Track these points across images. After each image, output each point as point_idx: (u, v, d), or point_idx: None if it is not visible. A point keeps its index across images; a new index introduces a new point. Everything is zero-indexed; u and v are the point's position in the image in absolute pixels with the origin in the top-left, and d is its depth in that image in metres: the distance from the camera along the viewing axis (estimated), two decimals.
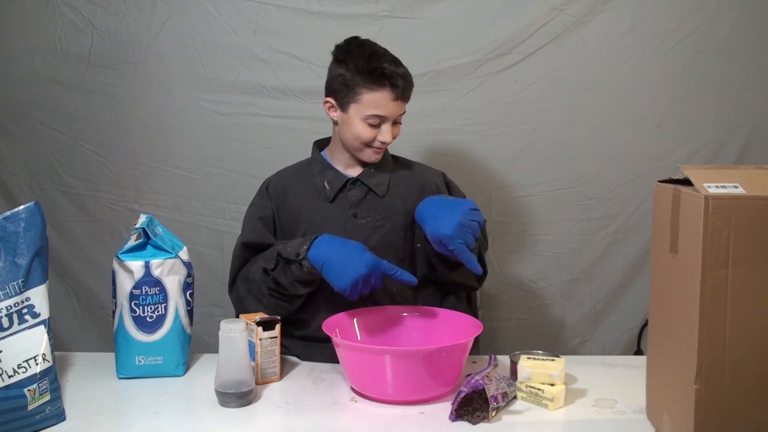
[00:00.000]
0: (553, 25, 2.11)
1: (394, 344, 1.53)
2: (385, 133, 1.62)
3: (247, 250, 1.68)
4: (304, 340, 1.65)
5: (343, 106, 1.63)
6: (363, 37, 1.69)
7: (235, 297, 1.68)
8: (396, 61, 1.62)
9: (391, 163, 1.75)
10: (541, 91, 2.14)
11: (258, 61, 2.13)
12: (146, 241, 1.49)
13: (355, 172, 1.70)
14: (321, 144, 1.78)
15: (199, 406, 1.37)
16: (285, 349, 1.63)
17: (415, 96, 1.82)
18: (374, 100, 1.59)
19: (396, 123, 1.65)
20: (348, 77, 1.60)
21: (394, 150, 1.79)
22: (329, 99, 1.66)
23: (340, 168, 1.71)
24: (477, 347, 1.75)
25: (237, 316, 1.71)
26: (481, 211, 1.51)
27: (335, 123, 1.68)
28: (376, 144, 1.64)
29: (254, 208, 1.73)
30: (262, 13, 2.11)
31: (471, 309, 1.80)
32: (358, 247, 1.48)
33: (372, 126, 1.61)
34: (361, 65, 1.59)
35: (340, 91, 1.62)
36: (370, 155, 1.66)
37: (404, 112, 1.65)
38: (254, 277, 1.61)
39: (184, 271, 1.50)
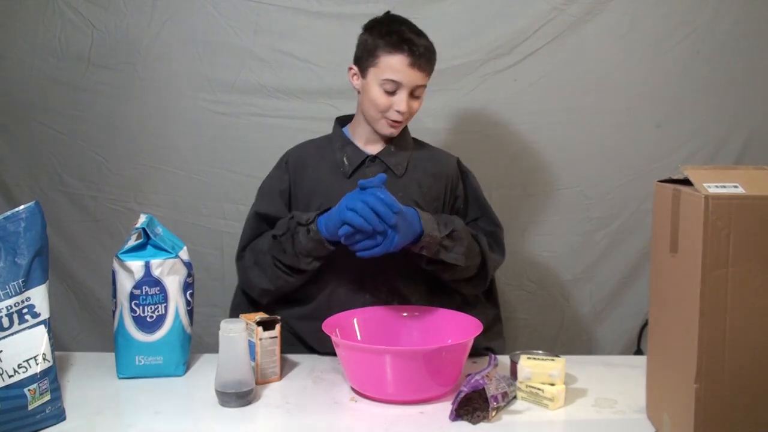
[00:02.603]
0: (553, 25, 2.11)
1: (394, 344, 1.53)
2: (399, 101, 1.61)
3: (261, 221, 1.69)
4: (309, 320, 1.62)
5: (363, 71, 1.65)
6: None
7: (241, 267, 1.69)
8: (420, 33, 1.63)
9: (412, 144, 1.76)
10: (541, 91, 2.14)
11: (258, 61, 2.12)
12: (146, 241, 1.49)
13: (375, 149, 1.71)
14: (342, 121, 1.78)
15: (199, 406, 1.37)
16: (297, 339, 1.65)
17: None
18: (391, 65, 1.60)
19: (415, 97, 1.64)
20: (369, 42, 1.64)
21: None
22: (353, 66, 1.68)
23: (360, 144, 1.72)
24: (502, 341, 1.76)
25: (241, 289, 1.72)
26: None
27: (358, 92, 1.69)
28: (392, 114, 1.63)
29: (273, 181, 1.74)
30: (262, 13, 2.11)
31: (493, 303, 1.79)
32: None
33: (388, 93, 1.62)
34: (383, 30, 1.63)
35: (362, 56, 1.66)
36: (385, 127, 1.66)
37: (423, 86, 1.64)
38: (262, 247, 1.62)
39: (184, 271, 1.50)
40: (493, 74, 2.13)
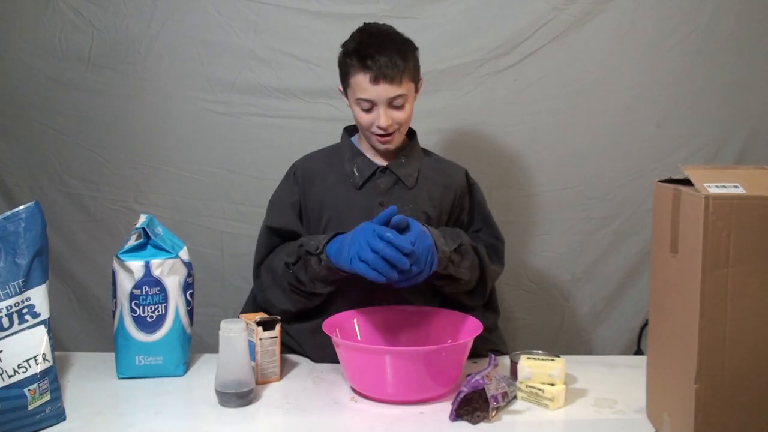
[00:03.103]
0: (553, 25, 2.11)
1: (394, 344, 1.53)
2: (378, 116, 1.59)
3: (274, 236, 1.66)
4: (317, 333, 1.58)
5: (345, 91, 1.66)
6: None
7: (259, 286, 1.67)
8: (383, 45, 1.58)
9: (422, 155, 1.74)
10: (541, 91, 2.14)
11: (258, 61, 2.12)
12: (146, 241, 1.49)
13: (384, 160, 1.70)
14: (350, 130, 1.76)
15: (199, 406, 1.37)
16: (289, 349, 1.64)
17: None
18: (358, 84, 1.59)
19: (397, 107, 1.61)
20: (341, 62, 1.64)
21: None
22: (340, 86, 1.68)
23: (369, 155, 1.70)
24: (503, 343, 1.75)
25: (259, 305, 1.69)
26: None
27: None
28: (375, 129, 1.62)
29: (282, 194, 1.71)
30: (262, 13, 2.11)
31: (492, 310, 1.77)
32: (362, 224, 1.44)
33: (366, 110, 1.61)
34: (350, 49, 1.61)
35: (341, 77, 1.65)
36: (375, 142, 1.65)
37: (403, 95, 1.60)
38: (278, 269, 1.60)
39: (184, 271, 1.50)
40: (493, 74, 2.13)
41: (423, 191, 1.69)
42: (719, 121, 2.16)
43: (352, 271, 1.42)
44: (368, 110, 1.61)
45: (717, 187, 1.07)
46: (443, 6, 2.11)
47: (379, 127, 1.61)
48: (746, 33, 2.12)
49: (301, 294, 1.57)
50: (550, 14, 2.10)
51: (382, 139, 1.63)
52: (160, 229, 1.53)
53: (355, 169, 1.67)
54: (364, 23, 1.69)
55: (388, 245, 1.36)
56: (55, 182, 2.17)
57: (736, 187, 1.07)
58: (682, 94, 2.15)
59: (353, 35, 1.65)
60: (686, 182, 1.14)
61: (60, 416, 1.28)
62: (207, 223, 2.18)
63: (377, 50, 1.57)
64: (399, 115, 1.62)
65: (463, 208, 1.75)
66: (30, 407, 1.23)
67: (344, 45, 1.64)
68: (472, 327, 1.46)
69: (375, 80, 1.57)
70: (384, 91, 1.58)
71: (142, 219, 1.51)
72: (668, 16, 2.12)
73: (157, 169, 2.17)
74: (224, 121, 2.15)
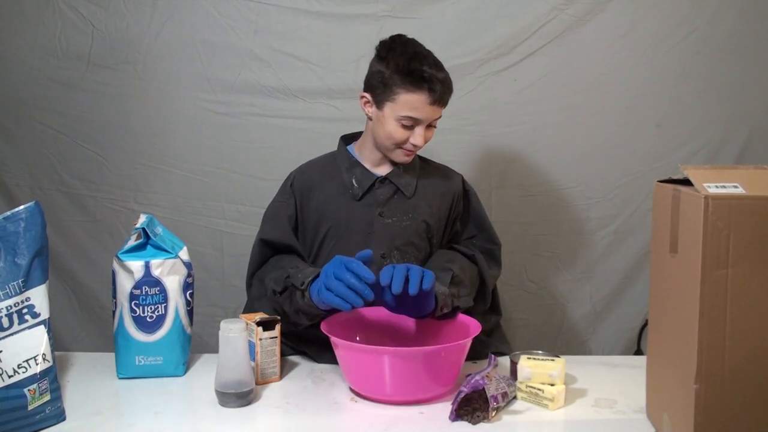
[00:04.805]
0: (553, 25, 2.11)
1: (394, 344, 1.53)
2: (417, 135, 1.59)
3: (267, 248, 1.66)
4: (314, 344, 1.61)
5: (378, 103, 1.61)
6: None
7: (250, 297, 1.69)
8: (438, 65, 1.59)
9: (419, 164, 1.74)
10: (541, 91, 2.14)
11: (258, 61, 2.12)
12: (146, 241, 1.49)
13: (383, 170, 1.69)
14: (347, 138, 1.75)
15: (199, 406, 1.37)
16: (293, 351, 1.64)
17: None
18: (410, 102, 1.56)
19: (430, 126, 1.62)
20: (386, 75, 1.58)
21: None
22: (366, 94, 1.63)
23: (368, 165, 1.69)
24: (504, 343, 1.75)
25: (250, 311, 1.69)
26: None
27: (369, 119, 1.66)
28: (408, 146, 1.61)
29: (278, 206, 1.70)
30: (262, 13, 2.11)
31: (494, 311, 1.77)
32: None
33: (405, 127, 1.59)
34: (401, 65, 1.56)
35: (377, 88, 1.60)
36: (400, 156, 1.64)
37: (440, 117, 1.63)
38: (268, 287, 1.59)
39: (184, 271, 1.50)
40: (493, 74, 2.13)
41: (422, 200, 1.68)
42: (719, 121, 2.16)
43: (321, 301, 1.41)
44: (409, 127, 1.59)
45: (717, 187, 1.07)
46: (443, 6, 2.11)
47: (414, 145, 1.60)
48: (746, 33, 2.13)
49: (288, 320, 1.56)
50: (550, 14, 2.11)
51: (410, 153, 1.63)
52: (160, 229, 1.53)
53: (354, 180, 1.67)
54: (397, 35, 1.65)
55: (353, 275, 1.36)
56: (55, 182, 2.17)
57: (735, 187, 1.07)
58: (682, 94, 2.15)
59: (395, 50, 1.60)
60: (686, 182, 1.14)
61: (60, 416, 1.28)
62: (207, 223, 2.18)
63: (437, 70, 1.57)
64: (430, 133, 1.63)
65: (459, 213, 1.75)
66: (30, 407, 1.23)
67: (387, 55, 1.60)
68: (471, 327, 1.46)
69: (433, 102, 1.57)
70: (435, 112, 1.59)
71: (142, 219, 1.51)
72: (668, 16, 2.12)
73: (157, 169, 2.17)
74: (224, 121, 2.15)
